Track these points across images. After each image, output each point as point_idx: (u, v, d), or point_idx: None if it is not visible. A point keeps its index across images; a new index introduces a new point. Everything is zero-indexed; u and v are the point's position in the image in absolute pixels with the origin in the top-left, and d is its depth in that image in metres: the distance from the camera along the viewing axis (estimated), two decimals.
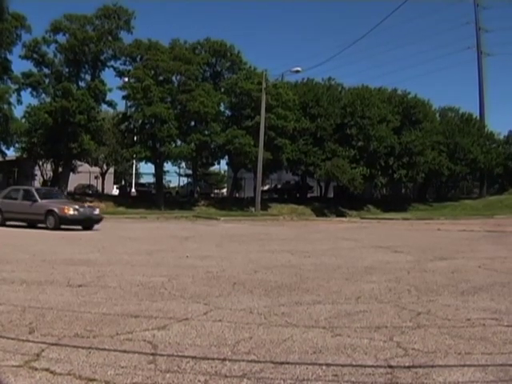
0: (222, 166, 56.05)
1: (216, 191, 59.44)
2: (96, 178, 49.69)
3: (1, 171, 43.40)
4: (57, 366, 3.67)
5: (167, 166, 42.78)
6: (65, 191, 36.24)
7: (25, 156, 38.62)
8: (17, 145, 37.60)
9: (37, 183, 43.41)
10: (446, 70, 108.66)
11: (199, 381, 3.45)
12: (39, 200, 19.40)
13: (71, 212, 18.77)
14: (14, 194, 20.75)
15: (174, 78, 37.36)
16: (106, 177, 52.08)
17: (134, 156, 38.54)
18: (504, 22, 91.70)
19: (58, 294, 6.33)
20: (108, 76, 61.70)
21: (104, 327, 4.75)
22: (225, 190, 59.42)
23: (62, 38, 35.05)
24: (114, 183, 56.96)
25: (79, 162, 39.34)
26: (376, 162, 39.91)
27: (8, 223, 19.73)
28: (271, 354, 4.06)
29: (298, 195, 43.89)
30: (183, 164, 49.18)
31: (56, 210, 18.64)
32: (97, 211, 20.24)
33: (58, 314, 5.21)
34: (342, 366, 3.80)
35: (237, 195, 46.00)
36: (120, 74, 37.87)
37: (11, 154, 39.69)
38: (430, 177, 44.51)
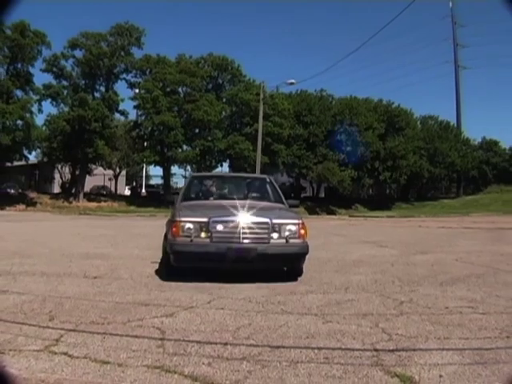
0: (224, 169, 56.00)
1: None
2: (110, 179, 49.62)
3: (23, 174, 43.42)
4: (74, 350, 3.66)
5: (174, 168, 42.74)
6: (81, 192, 36.22)
7: (45, 160, 38.71)
8: (38, 150, 37.69)
9: (56, 185, 43.39)
10: (426, 82, 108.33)
11: (203, 363, 3.45)
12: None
13: (181, 238, 6.48)
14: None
15: (180, 90, 37.35)
16: (119, 179, 52.00)
17: (144, 160, 38.51)
18: (479, 38, 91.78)
19: (75, 284, 6.32)
20: (120, 87, 61.59)
21: (117, 315, 4.75)
22: None
23: (78, 54, 35.01)
24: (126, 184, 56.84)
25: (94, 166, 39.30)
26: (363, 165, 39.91)
27: None
28: (268, 338, 4.05)
29: (292, 195, 43.68)
30: (189, 167, 49.15)
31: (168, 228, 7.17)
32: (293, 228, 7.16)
33: (75, 303, 5.21)
34: (333, 349, 3.80)
35: None
36: (131, 85, 37.85)
37: (33, 158, 39.71)
38: (412, 178, 44.50)
